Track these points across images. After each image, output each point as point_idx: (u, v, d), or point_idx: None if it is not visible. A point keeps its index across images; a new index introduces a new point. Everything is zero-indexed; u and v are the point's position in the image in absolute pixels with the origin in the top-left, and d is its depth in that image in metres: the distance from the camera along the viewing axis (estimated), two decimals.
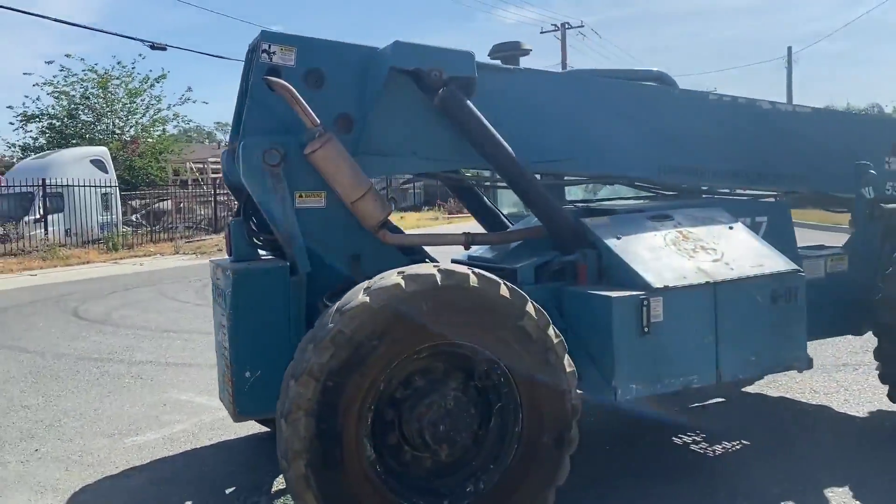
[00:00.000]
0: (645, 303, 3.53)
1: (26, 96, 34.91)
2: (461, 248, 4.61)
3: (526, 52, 4.81)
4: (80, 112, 31.61)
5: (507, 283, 3.19)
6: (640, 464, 4.21)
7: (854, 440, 4.38)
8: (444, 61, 3.76)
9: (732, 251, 3.97)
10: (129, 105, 32.50)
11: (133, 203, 28.36)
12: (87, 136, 30.72)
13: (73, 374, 6.94)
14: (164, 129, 33.80)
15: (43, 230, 20.70)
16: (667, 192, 4.81)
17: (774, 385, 5.54)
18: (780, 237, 4.60)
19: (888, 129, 5.28)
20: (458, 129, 3.83)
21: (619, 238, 3.91)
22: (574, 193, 5.42)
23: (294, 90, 3.49)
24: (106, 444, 4.94)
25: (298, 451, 2.84)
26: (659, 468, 4.12)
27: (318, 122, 3.53)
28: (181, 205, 27.32)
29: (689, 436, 4.59)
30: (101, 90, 31.53)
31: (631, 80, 5.08)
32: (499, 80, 4.12)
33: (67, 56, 40.89)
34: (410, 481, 3.15)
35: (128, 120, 32.71)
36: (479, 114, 3.82)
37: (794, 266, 3.91)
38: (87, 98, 31.68)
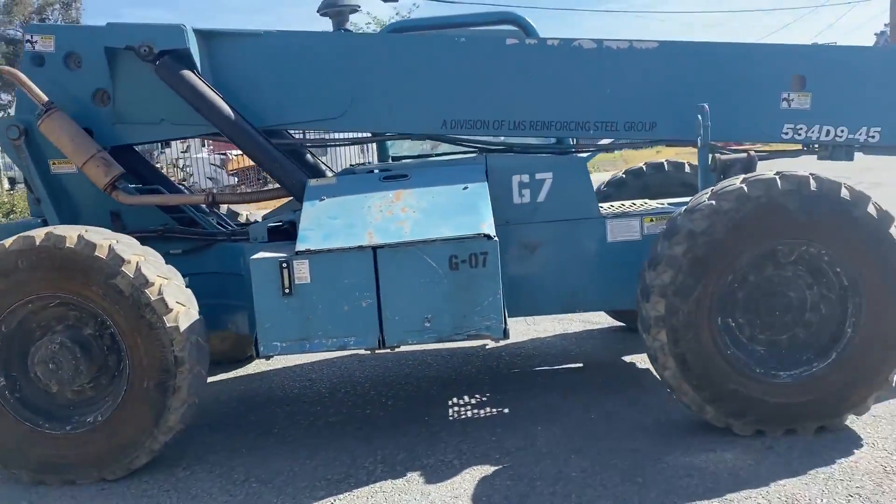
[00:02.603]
0: (285, 265, 3.63)
1: None
2: None
3: (355, 9, 4.85)
4: None
5: (115, 244, 3.56)
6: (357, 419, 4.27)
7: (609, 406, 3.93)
8: (153, 37, 4.10)
9: (431, 213, 3.81)
10: None
11: None
12: None
13: None
14: None
15: None
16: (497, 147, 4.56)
17: None
18: (570, 194, 4.25)
19: (787, 60, 4.32)
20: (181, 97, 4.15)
21: (321, 199, 3.98)
22: (413, 149, 5.31)
23: (19, 73, 4.12)
24: None
25: None
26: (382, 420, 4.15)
27: (45, 98, 4.12)
28: None
29: (470, 396, 4.47)
30: None
31: (474, 25, 4.91)
32: (248, 46, 4.32)
33: None
34: (51, 408, 3.73)
35: None
36: (195, 81, 4.10)
37: (481, 231, 3.63)
38: None
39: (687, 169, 5.39)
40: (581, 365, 5.00)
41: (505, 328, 3.69)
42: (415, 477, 3.47)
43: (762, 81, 4.28)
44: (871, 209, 3.46)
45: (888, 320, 3.50)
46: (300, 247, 3.66)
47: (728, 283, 3.59)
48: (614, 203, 4.96)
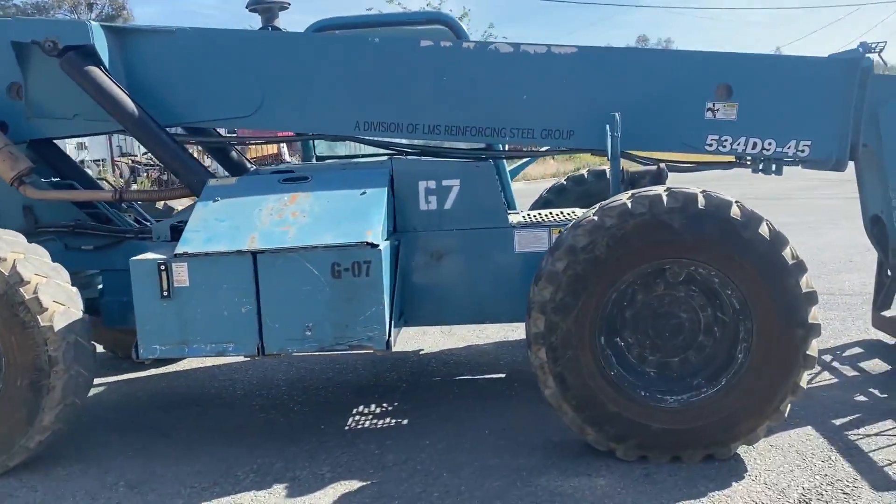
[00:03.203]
0: (163, 267, 3.58)
1: None
2: None
3: (284, 6, 4.78)
4: None
5: None
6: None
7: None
8: (58, 32, 4.06)
9: (321, 218, 3.73)
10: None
11: None
12: None
13: None
14: None
15: None
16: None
17: None
18: (477, 202, 4.14)
19: (713, 68, 4.12)
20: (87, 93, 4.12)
21: (215, 200, 3.92)
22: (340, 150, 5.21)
23: None
24: None
25: None
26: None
27: None
28: None
29: (377, 405, 4.39)
30: None
31: (403, 24, 4.82)
32: (160, 43, 4.26)
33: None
34: None
35: None
36: (99, 76, 4.07)
37: (364, 239, 3.54)
38: None
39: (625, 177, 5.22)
40: (503, 375, 4.88)
41: (388, 340, 3.60)
42: (279, 489, 3.40)
43: (686, 90, 4.11)
44: (762, 230, 3.28)
45: (779, 348, 3.32)
46: (179, 249, 3.61)
47: (612, 302, 3.45)
48: (541, 212, 4.84)
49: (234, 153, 4.94)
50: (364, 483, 3.41)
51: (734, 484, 3.22)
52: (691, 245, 3.32)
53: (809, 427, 3.78)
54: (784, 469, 3.35)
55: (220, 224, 3.76)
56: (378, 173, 4.02)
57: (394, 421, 4.17)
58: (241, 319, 3.59)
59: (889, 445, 3.53)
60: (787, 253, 3.29)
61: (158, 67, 4.29)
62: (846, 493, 3.11)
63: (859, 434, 3.67)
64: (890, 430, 3.70)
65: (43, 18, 4.45)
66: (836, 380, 4.46)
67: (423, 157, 4.39)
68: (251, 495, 3.35)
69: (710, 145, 4.16)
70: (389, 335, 3.60)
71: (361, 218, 3.70)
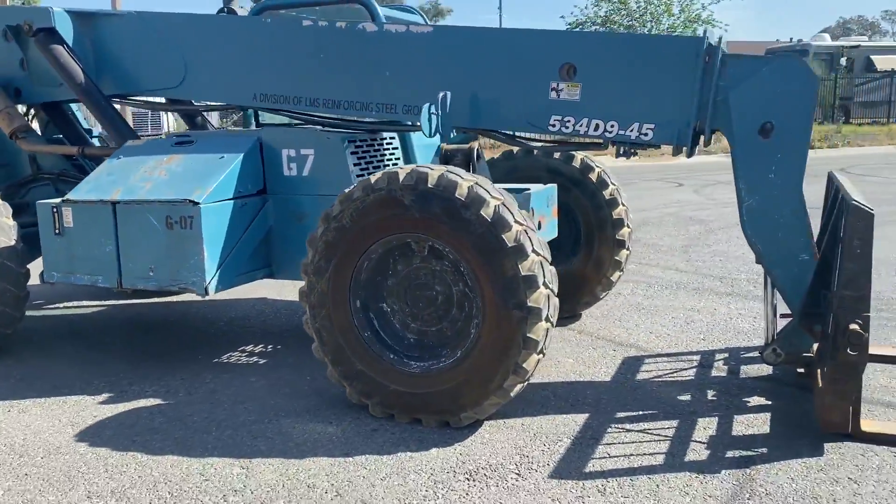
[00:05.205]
0: (55, 209, 4.46)
1: (575, 6, 38.64)
2: None
3: None
4: (614, 16, 34.15)
5: None
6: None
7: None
8: (31, 16, 5.07)
9: (178, 176, 4.38)
10: (665, 5, 33.61)
11: None
12: None
13: None
14: (693, 31, 33.91)
15: None
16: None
17: None
18: (328, 170, 4.53)
19: (557, 48, 4.09)
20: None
21: (119, 158, 4.72)
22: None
23: None
24: None
25: None
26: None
27: None
28: None
29: (271, 347, 4.98)
30: None
31: (326, 4, 5.25)
32: (114, 24, 5.13)
33: None
34: None
35: (660, 23, 33.82)
36: (59, 52, 5.01)
37: (189, 197, 4.12)
38: (625, 3, 33.90)
39: (535, 152, 5.26)
40: None
41: (206, 287, 4.17)
42: (102, 397, 4.15)
43: (531, 69, 4.13)
44: (486, 212, 3.36)
45: (499, 327, 3.40)
46: (67, 196, 4.45)
47: (370, 269, 3.71)
48: None
49: (199, 119, 5.73)
50: (163, 402, 4.05)
51: (432, 449, 3.40)
52: (420, 221, 3.48)
53: (588, 414, 3.76)
54: (497, 444, 3.44)
55: (108, 178, 4.54)
56: (244, 141, 4.55)
57: (255, 360, 4.75)
58: (106, 258, 4.37)
59: (636, 442, 3.45)
60: (507, 236, 3.34)
61: (114, 46, 5.14)
62: (517, 474, 3.16)
63: (624, 428, 3.59)
64: (660, 429, 3.57)
65: (21, 6, 5.40)
66: (691, 378, 4.25)
67: (289, 127, 4.83)
68: (77, 398, 4.15)
69: (553, 126, 4.14)
70: (208, 283, 4.17)
71: (202, 178, 4.28)
